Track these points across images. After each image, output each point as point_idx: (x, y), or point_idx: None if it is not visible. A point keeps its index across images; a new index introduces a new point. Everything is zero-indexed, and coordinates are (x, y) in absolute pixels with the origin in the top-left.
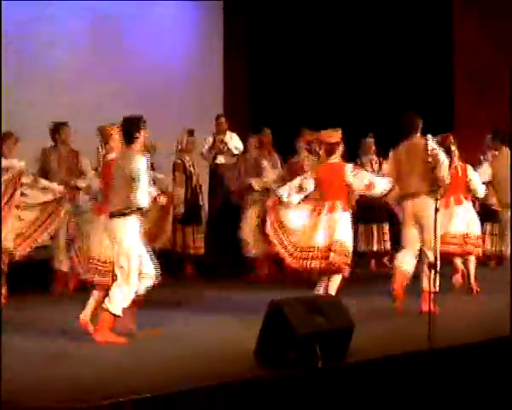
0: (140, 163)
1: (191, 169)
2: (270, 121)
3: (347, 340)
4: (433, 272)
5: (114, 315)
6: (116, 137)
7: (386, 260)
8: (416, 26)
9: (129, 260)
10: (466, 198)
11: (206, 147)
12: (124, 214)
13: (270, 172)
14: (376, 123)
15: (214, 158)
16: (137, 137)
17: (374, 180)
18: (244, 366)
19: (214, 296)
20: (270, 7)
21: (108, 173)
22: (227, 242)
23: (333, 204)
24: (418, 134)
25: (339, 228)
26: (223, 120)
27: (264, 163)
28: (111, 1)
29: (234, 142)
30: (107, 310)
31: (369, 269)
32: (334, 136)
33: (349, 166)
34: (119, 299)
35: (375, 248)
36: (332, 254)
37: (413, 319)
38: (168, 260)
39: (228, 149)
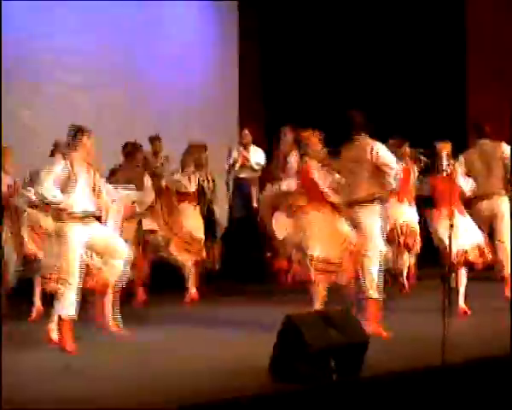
0: None
1: (203, 184)
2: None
3: (362, 354)
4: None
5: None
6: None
7: None
8: (429, 28)
9: None
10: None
11: (231, 161)
12: None
13: None
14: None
15: (239, 172)
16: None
17: None
18: (258, 381)
19: (228, 311)
20: (285, 14)
21: None
22: (244, 256)
23: None
24: None
25: None
26: (247, 132)
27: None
28: (126, 15)
29: (256, 157)
30: None
31: None
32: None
33: None
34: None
35: None
36: None
37: (427, 334)
38: (181, 274)
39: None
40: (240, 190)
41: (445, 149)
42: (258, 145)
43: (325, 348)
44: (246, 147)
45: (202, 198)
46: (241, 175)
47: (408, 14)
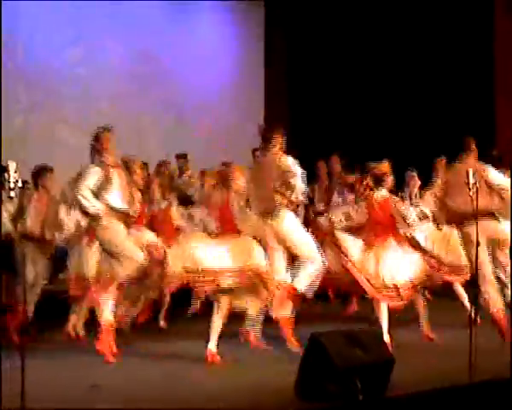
0: None
1: None
2: (311, 147)
3: (388, 373)
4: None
5: None
6: None
7: None
8: (456, 46)
9: None
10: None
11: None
12: None
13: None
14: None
15: None
16: None
17: None
18: (285, 400)
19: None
20: (314, 32)
21: None
22: None
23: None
24: None
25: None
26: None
27: None
28: (149, 28)
29: None
30: None
31: None
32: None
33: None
34: None
35: None
36: None
37: (453, 352)
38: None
39: None
40: None
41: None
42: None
43: (351, 367)
44: None
45: None
46: None
47: (435, 35)
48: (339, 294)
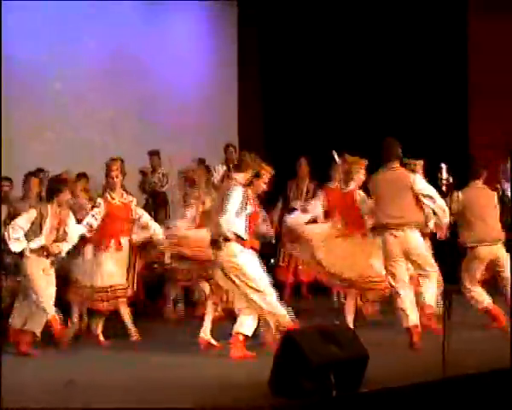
0: None
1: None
2: (284, 146)
3: (362, 369)
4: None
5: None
6: None
7: None
8: (431, 34)
9: None
10: None
11: (218, 177)
12: None
13: None
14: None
15: None
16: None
17: None
18: (258, 396)
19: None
20: (284, 17)
21: None
22: None
23: None
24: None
25: None
26: (232, 149)
27: None
28: (124, 27)
29: None
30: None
31: None
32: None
33: None
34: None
35: None
36: None
37: (427, 348)
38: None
39: None
40: None
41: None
42: (257, 147)
43: (325, 364)
44: (232, 163)
45: None
46: None
47: (409, 36)
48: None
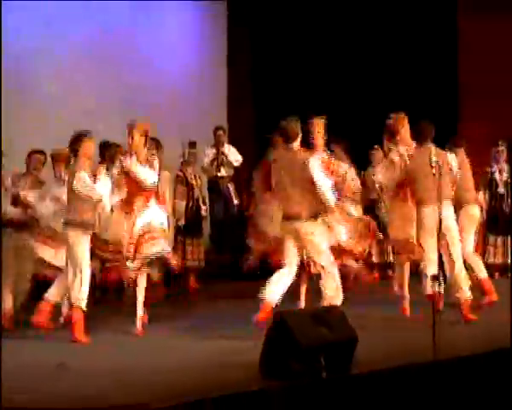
0: None
1: (193, 181)
2: (274, 128)
3: (351, 351)
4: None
5: None
6: None
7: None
8: (420, 33)
9: None
10: None
11: (207, 160)
12: None
13: None
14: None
15: (217, 170)
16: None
17: None
18: (248, 378)
19: (216, 308)
20: (275, 17)
21: None
22: (229, 255)
23: None
24: None
25: None
26: (221, 132)
27: None
28: (113, 14)
29: (233, 154)
30: None
31: None
32: None
33: None
34: None
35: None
36: None
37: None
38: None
39: (228, 161)
40: (219, 188)
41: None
42: (247, 146)
43: (315, 345)
44: (221, 146)
45: (191, 195)
46: (219, 174)
47: (398, 33)
48: None
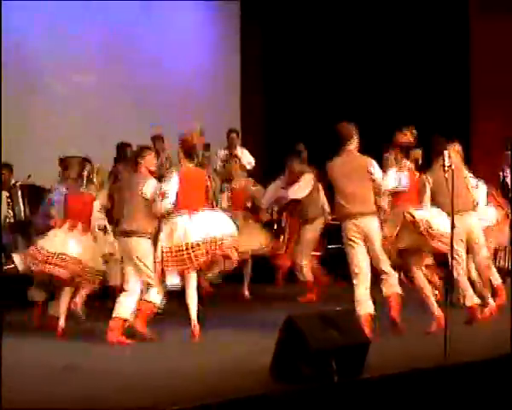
0: None
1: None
2: (285, 131)
3: (363, 355)
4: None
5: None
6: None
7: None
8: (432, 34)
9: None
10: None
11: (219, 162)
12: None
13: None
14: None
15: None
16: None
17: None
18: (259, 381)
19: (230, 312)
20: (288, 20)
21: None
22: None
23: None
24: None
25: None
26: (234, 135)
27: None
28: (127, 16)
29: (246, 157)
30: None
31: None
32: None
33: None
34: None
35: None
36: None
37: (430, 336)
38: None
39: (241, 164)
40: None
41: None
42: (259, 143)
43: (326, 349)
44: (234, 149)
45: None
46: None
47: (411, 35)
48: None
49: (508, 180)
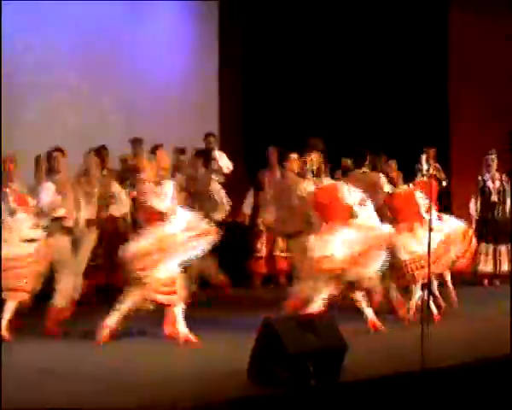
0: None
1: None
2: (263, 140)
3: (340, 359)
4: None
5: None
6: None
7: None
8: (411, 37)
9: None
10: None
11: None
12: None
13: None
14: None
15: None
16: None
17: None
18: (237, 384)
19: (207, 315)
20: (268, 20)
21: None
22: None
23: None
24: None
25: None
26: (211, 138)
27: None
28: (104, 21)
29: (223, 161)
30: None
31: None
32: None
33: None
34: None
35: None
36: None
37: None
38: None
39: (219, 167)
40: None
41: None
42: (237, 151)
43: (303, 353)
44: (210, 152)
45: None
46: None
47: (388, 29)
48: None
49: (489, 183)
